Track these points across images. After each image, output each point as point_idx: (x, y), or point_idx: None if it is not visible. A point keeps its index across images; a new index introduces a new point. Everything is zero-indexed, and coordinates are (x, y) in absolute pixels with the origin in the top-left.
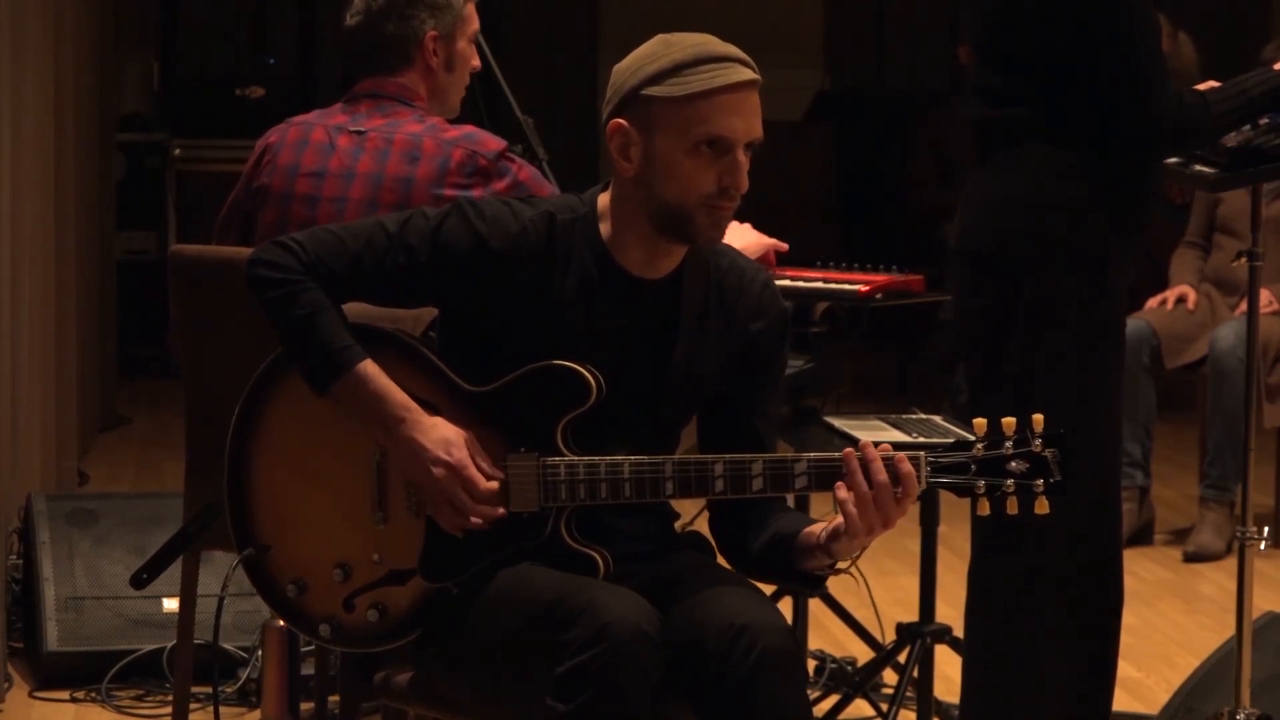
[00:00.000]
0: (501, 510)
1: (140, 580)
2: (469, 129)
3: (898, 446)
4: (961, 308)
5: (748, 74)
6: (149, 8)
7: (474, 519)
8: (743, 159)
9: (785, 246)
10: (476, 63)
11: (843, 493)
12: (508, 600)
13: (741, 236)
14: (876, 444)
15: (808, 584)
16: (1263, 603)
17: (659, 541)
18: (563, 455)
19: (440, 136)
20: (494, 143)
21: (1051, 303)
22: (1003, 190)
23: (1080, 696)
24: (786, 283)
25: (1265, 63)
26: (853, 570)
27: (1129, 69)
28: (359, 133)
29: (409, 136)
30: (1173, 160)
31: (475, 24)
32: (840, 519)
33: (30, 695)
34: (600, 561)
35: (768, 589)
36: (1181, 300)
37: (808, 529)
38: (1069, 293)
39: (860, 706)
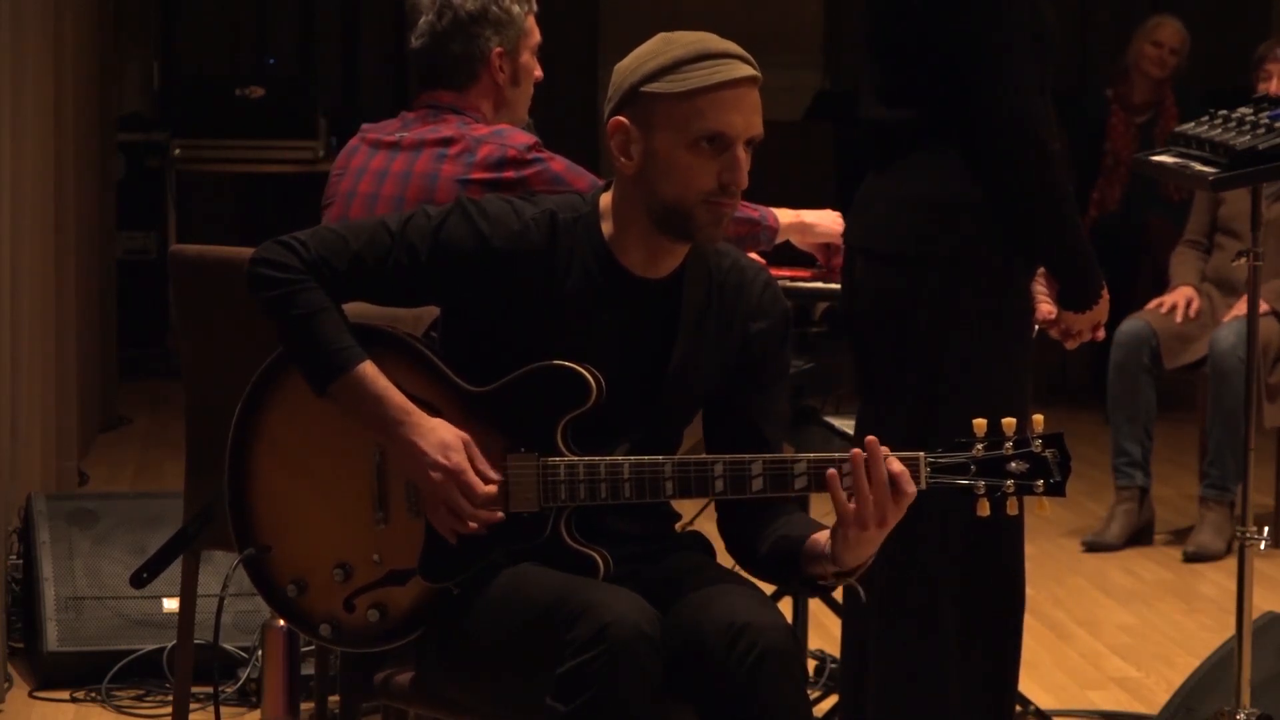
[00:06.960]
0: (499, 514)
1: (140, 579)
2: (501, 126)
3: None
4: (859, 307)
5: (747, 70)
6: (149, 8)
7: (471, 523)
8: (743, 155)
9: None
10: (539, 73)
11: (840, 494)
12: (508, 601)
13: (823, 216)
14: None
15: (814, 589)
16: (1263, 603)
17: (659, 542)
18: (563, 455)
19: (470, 133)
20: (523, 137)
21: (958, 303)
22: (909, 191)
23: (982, 708)
24: (786, 283)
25: (1260, 60)
26: (855, 584)
27: (991, 65)
28: (402, 138)
29: (441, 137)
30: (1171, 160)
31: (537, 36)
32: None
33: (30, 695)
34: (600, 562)
35: (768, 589)
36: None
37: (814, 535)
38: (976, 293)
39: None
